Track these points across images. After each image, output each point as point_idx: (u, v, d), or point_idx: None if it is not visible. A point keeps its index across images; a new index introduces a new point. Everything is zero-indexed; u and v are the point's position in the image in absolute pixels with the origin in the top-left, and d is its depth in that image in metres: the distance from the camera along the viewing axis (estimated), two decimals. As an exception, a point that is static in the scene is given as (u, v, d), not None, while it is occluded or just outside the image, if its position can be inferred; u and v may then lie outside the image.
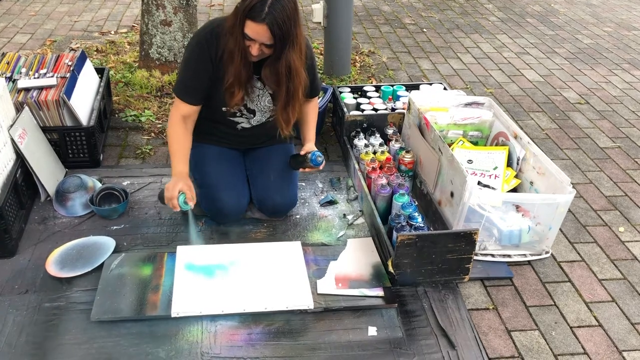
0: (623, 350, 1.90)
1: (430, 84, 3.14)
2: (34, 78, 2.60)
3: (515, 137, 2.43)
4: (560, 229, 2.40)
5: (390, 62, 4.13)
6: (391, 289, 2.02)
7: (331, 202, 2.49)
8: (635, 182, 2.86)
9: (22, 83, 2.53)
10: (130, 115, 3.08)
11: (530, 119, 3.46)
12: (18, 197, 2.20)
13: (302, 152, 2.22)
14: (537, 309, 2.05)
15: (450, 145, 2.49)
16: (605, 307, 2.07)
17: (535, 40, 4.82)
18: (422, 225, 2.11)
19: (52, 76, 2.61)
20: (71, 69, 2.67)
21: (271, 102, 2.18)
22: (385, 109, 2.92)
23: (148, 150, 2.82)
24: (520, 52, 4.52)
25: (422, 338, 1.86)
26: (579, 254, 2.34)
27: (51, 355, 1.71)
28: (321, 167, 2.18)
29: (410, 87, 3.11)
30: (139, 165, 2.71)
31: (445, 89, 3.09)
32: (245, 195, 2.28)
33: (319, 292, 1.98)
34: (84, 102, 2.66)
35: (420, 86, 3.10)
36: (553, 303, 2.08)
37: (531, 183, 2.32)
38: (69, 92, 2.51)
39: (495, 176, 2.37)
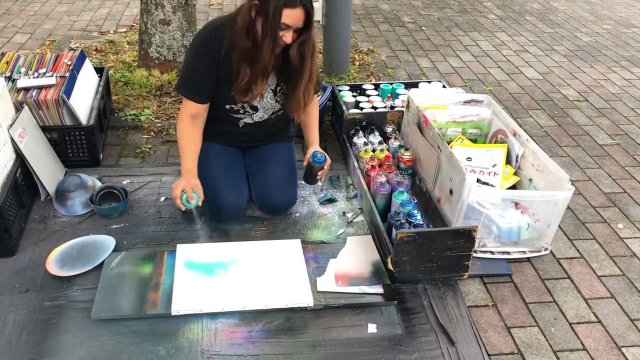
0: (622, 346, 1.90)
1: (429, 82, 3.14)
2: (34, 77, 2.60)
3: (514, 134, 2.43)
4: (559, 226, 2.41)
5: (389, 61, 4.13)
6: (391, 287, 2.03)
7: (331, 200, 2.49)
8: (634, 178, 2.87)
9: (22, 82, 2.53)
10: (130, 115, 3.09)
11: (529, 116, 3.46)
12: (18, 196, 2.20)
13: (305, 160, 2.23)
14: (536, 305, 2.05)
15: (449, 143, 2.50)
16: (604, 304, 2.08)
17: (534, 38, 4.82)
18: (422, 222, 2.11)
19: (51, 76, 2.62)
20: (70, 68, 2.67)
21: (274, 99, 2.20)
22: (385, 107, 2.92)
23: (147, 149, 2.82)
24: (519, 50, 4.52)
25: (422, 335, 1.86)
26: (578, 250, 2.34)
27: (52, 354, 1.72)
28: (328, 163, 2.20)
29: (409, 85, 3.11)
30: (139, 164, 2.72)
31: (444, 86, 3.09)
32: (245, 194, 2.29)
33: (318, 289, 1.99)
34: (83, 101, 2.66)
35: (419, 84, 3.10)
36: (552, 299, 2.08)
37: (530, 180, 2.32)
38: (68, 91, 2.51)
39: (495, 173, 2.38)
